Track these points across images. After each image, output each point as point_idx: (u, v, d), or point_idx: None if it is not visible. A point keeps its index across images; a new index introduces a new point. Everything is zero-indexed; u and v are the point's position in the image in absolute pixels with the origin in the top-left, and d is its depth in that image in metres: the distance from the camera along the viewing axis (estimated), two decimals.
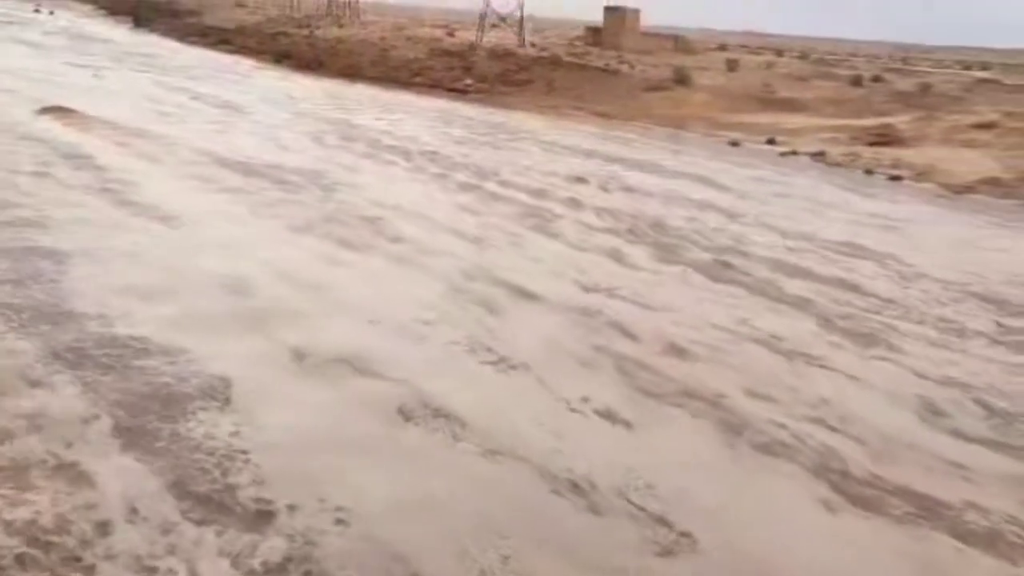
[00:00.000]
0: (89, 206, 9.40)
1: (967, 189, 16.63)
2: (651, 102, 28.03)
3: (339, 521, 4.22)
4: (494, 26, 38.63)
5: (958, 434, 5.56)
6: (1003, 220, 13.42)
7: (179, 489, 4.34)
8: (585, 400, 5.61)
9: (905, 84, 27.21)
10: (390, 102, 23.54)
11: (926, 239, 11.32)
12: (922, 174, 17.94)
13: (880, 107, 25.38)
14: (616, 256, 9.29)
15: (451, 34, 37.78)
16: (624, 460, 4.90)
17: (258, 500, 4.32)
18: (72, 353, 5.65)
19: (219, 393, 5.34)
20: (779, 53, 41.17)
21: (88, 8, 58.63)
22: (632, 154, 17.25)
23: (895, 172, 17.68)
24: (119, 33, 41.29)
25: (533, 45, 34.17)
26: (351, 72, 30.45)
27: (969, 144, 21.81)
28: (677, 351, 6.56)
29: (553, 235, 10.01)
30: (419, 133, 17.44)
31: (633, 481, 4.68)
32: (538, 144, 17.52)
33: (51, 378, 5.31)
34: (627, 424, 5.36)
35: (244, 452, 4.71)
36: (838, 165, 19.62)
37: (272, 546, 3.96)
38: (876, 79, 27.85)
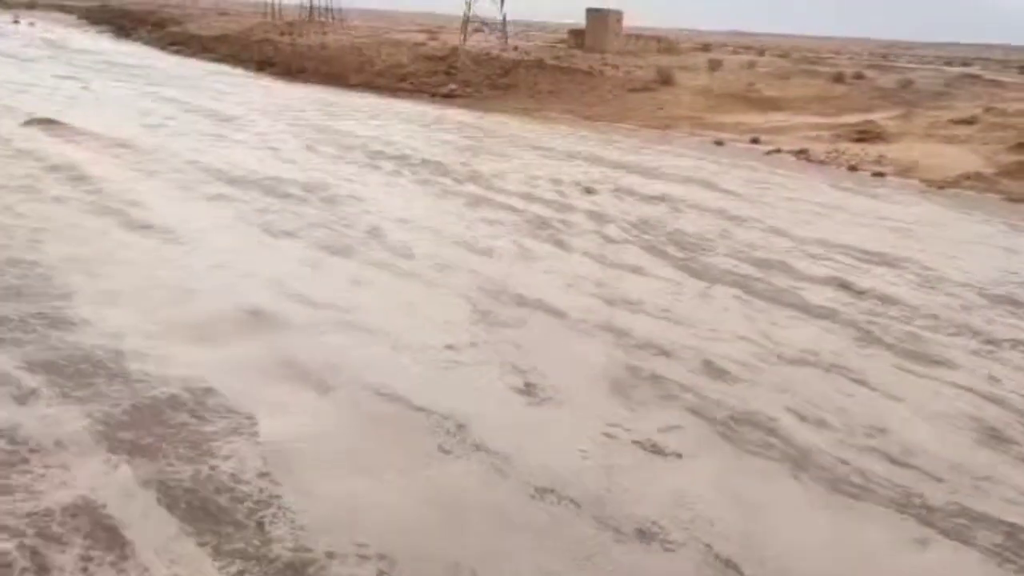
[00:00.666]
0: (87, 227, 8.91)
1: (950, 184, 16.49)
2: (636, 103, 27.78)
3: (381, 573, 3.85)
4: (477, 30, 38.17)
5: None
6: (1006, 218, 13.19)
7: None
8: (629, 430, 5.24)
9: (886, 80, 27.07)
10: (378, 109, 23.05)
11: (936, 241, 11.04)
12: (905, 170, 17.78)
13: (862, 103, 25.21)
14: (633, 267, 8.92)
15: (434, 38, 37.25)
16: (685, 500, 4.53)
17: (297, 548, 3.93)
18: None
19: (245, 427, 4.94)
20: (761, 52, 40.98)
21: (70, 18, 57.60)
22: (628, 158, 16.92)
23: (878, 169, 17.52)
24: (102, 43, 40.43)
25: (516, 48, 33.73)
26: (335, 79, 29.90)
27: (950, 139, 21.73)
28: (715, 371, 6.20)
29: (567, 247, 9.63)
30: (414, 141, 17.00)
31: (703, 526, 4.31)
32: (534, 150, 17.14)
33: None
34: (678, 455, 5.00)
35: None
36: (822, 163, 19.53)
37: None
38: (858, 76, 27.68)
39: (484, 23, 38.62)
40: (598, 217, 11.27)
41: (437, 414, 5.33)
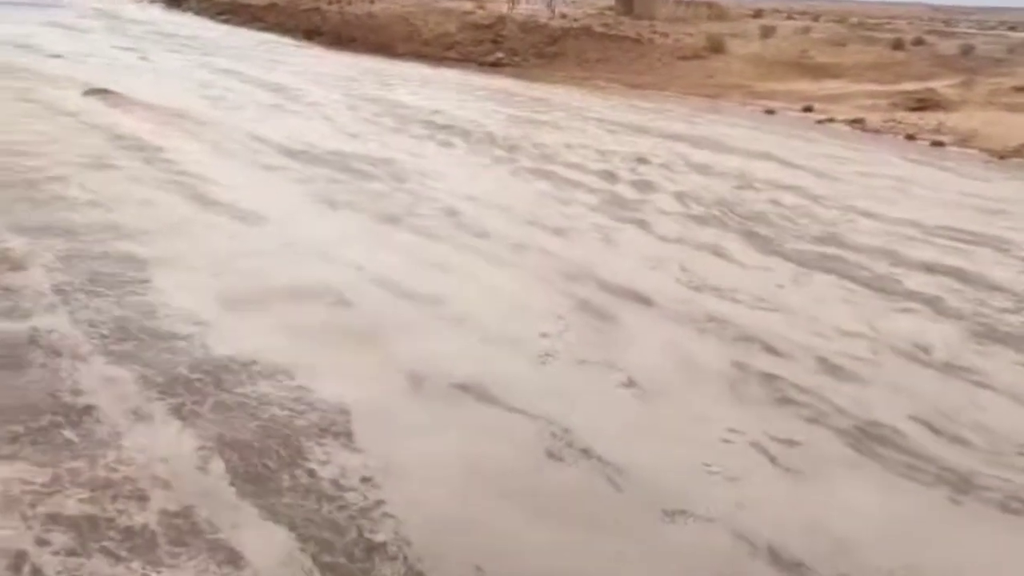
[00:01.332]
0: (160, 203, 8.56)
1: (1011, 153, 15.59)
2: (686, 71, 26.85)
3: None
4: None
5: None
6: None
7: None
8: (750, 439, 4.75)
9: (947, 46, 25.73)
10: (429, 78, 22.46)
11: None
12: (965, 139, 16.84)
13: (921, 71, 24.01)
14: (713, 249, 8.36)
15: (481, 6, 36.31)
16: (830, 529, 4.04)
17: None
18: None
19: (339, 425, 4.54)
20: (816, 18, 39.36)
21: None
22: (684, 128, 16.20)
23: (937, 138, 16.62)
24: (154, 13, 40.11)
25: (563, 16, 32.72)
26: (383, 48, 29.28)
27: (1012, 108, 20.61)
28: (828, 369, 5.67)
29: (640, 225, 9.08)
30: (468, 112, 16.43)
31: (853, 558, 3.82)
32: (589, 121, 16.49)
33: None
34: (811, 471, 4.50)
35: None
36: (878, 132, 18.77)
37: None
38: (918, 42, 26.35)
39: None
40: (666, 192, 10.69)
41: (540, 416, 4.88)
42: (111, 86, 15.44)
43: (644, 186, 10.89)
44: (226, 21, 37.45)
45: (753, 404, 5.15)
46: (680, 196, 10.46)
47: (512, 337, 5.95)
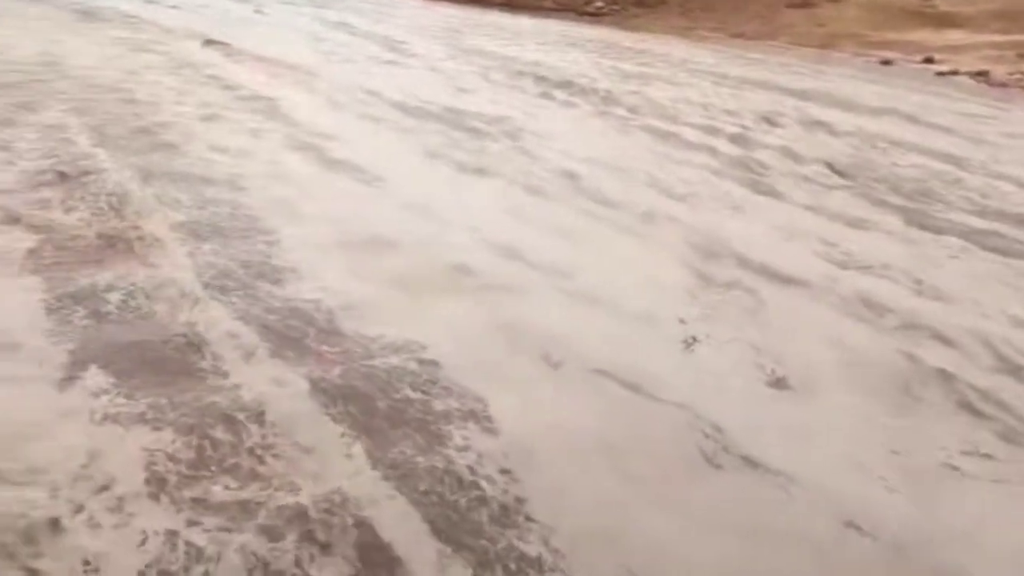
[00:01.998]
0: (284, 163, 8.28)
1: None
2: (794, 20, 25.16)
3: None
4: None
5: None
6: None
7: None
8: (935, 451, 4.11)
9: None
10: (532, 30, 21.64)
11: None
12: None
13: None
14: (855, 220, 7.54)
15: None
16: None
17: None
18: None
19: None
20: None
21: None
22: (806, 83, 15.02)
23: None
24: None
25: None
26: None
27: None
28: (1010, 368, 4.93)
29: (771, 193, 8.31)
30: (576, 66, 15.64)
31: None
32: (699, 75, 15.48)
33: None
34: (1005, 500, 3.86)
35: None
36: (1004, 85, 17.21)
37: None
38: None
39: None
40: (793, 155, 9.81)
41: (687, 409, 4.36)
42: (228, 39, 15.33)
43: (769, 148, 10.03)
44: None
45: (935, 414, 4.47)
46: (808, 159, 9.58)
47: (651, 318, 5.41)
